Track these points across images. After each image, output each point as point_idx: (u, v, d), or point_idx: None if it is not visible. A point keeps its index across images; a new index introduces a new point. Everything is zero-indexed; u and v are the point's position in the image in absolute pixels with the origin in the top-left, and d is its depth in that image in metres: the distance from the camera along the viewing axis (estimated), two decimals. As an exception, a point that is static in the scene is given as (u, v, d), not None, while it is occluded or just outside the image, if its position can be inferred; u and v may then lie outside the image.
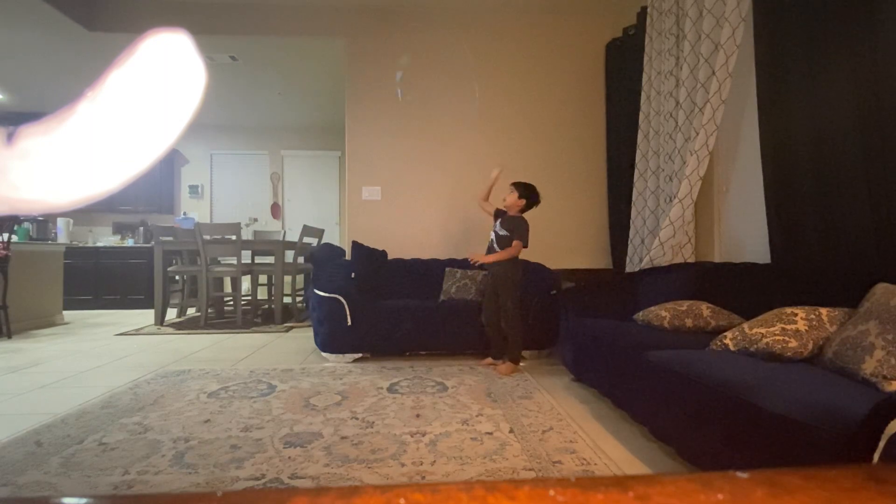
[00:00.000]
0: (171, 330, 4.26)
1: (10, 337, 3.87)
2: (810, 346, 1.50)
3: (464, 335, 3.09)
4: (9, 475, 1.51)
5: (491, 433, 1.84)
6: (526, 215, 2.85)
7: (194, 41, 0.29)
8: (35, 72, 4.92)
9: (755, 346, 1.57)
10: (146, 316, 5.06)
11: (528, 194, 2.82)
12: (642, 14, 3.44)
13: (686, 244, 2.89)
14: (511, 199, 2.81)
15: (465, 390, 2.41)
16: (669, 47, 3.03)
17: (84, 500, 0.25)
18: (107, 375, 2.72)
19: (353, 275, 3.32)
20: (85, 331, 4.32)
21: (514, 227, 2.78)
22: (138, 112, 0.28)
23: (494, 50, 4.16)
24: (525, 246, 2.77)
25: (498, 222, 2.87)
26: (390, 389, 2.43)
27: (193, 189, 6.95)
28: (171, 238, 4.86)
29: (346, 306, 3.00)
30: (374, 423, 1.95)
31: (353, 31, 4.10)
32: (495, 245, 2.82)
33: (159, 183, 6.59)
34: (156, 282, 4.55)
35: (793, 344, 1.50)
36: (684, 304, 2.20)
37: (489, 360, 2.95)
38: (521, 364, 2.85)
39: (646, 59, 3.29)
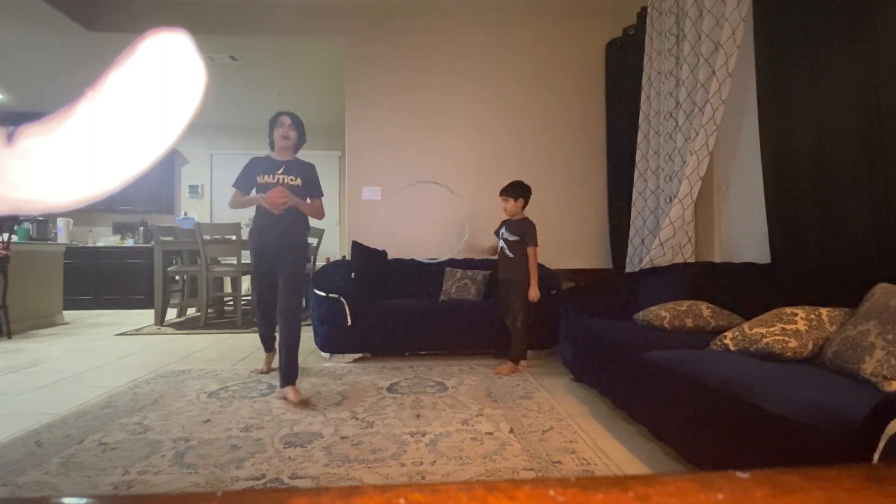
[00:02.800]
0: (171, 330, 4.26)
1: (10, 337, 3.87)
2: (810, 346, 1.50)
3: (464, 335, 3.09)
4: (9, 475, 1.51)
5: (491, 433, 1.84)
6: (527, 212, 2.86)
7: (194, 41, 0.29)
8: (35, 72, 4.92)
9: (755, 346, 1.57)
10: (146, 316, 5.05)
11: (523, 193, 2.84)
12: (642, 14, 3.44)
13: (686, 244, 2.88)
14: (512, 206, 2.83)
15: (465, 390, 2.41)
16: (669, 47, 3.02)
17: (84, 500, 0.25)
18: (107, 375, 2.72)
19: (353, 275, 3.32)
20: (85, 331, 4.32)
21: (524, 232, 2.80)
22: (138, 112, 0.28)
23: (495, 50, 4.15)
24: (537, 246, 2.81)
25: (503, 228, 2.89)
26: (390, 389, 2.43)
27: (193, 189, 6.95)
28: (171, 238, 4.86)
29: (346, 306, 2.99)
30: (374, 423, 1.95)
31: (353, 31, 4.10)
32: (507, 252, 2.84)
33: (159, 183, 6.59)
34: (156, 282, 4.55)
35: (793, 344, 1.50)
36: (684, 304, 2.20)
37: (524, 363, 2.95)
38: (521, 364, 2.85)
39: (646, 59, 3.28)
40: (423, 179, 3.51)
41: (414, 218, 4.07)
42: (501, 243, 2.88)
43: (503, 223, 2.93)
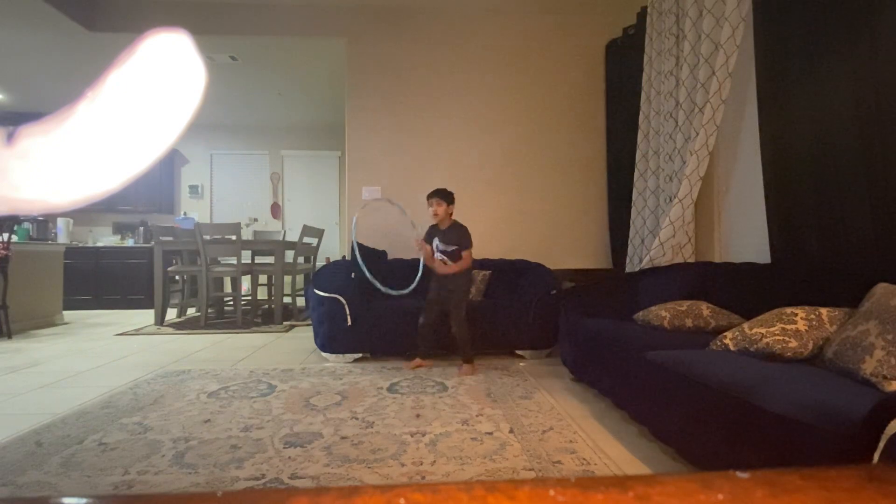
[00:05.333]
0: (171, 330, 4.26)
1: (10, 337, 3.87)
2: (810, 346, 1.50)
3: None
4: (9, 475, 1.51)
5: (491, 433, 1.84)
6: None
7: (194, 41, 0.29)
8: (35, 72, 4.92)
9: (755, 346, 1.57)
10: (146, 316, 5.05)
11: (453, 199, 2.81)
12: (642, 14, 3.44)
13: (686, 244, 2.88)
14: (442, 210, 2.77)
15: (464, 390, 2.41)
16: (669, 47, 3.03)
17: (84, 500, 0.25)
18: (107, 375, 2.72)
19: (353, 275, 3.32)
20: (85, 331, 4.32)
21: (459, 238, 2.78)
22: (138, 112, 0.28)
23: (494, 50, 4.15)
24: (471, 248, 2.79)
25: (436, 240, 2.83)
26: (390, 389, 2.43)
27: (193, 189, 6.95)
28: (171, 238, 4.86)
29: (346, 306, 2.99)
30: (374, 423, 1.95)
31: (353, 31, 4.10)
32: (448, 262, 2.81)
33: (159, 183, 6.59)
34: (156, 282, 4.55)
35: (793, 344, 1.50)
36: (684, 304, 2.20)
37: (418, 360, 2.89)
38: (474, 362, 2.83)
39: (646, 59, 3.28)
40: (378, 197, 3.60)
41: (414, 218, 4.07)
42: (440, 256, 2.82)
43: (432, 232, 2.86)
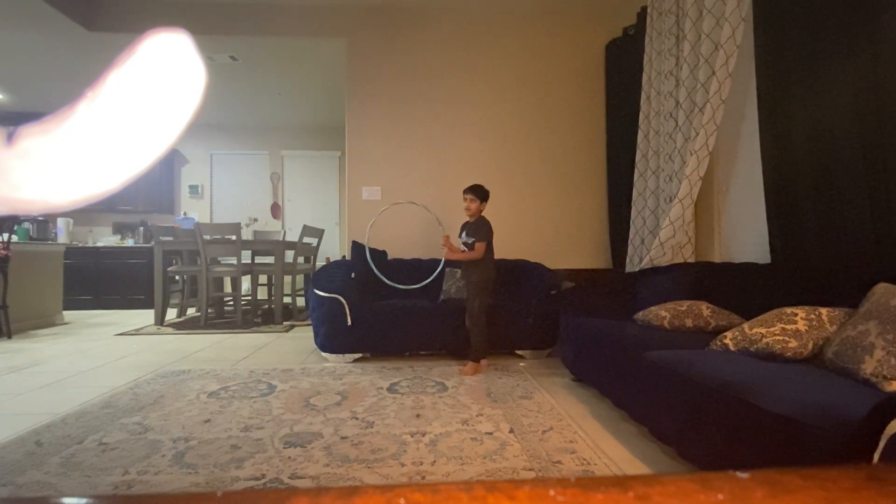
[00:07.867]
0: (171, 330, 4.26)
1: (10, 337, 3.87)
2: (810, 346, 1.50)
3: (464, 335, 3.09)
4: (9, 475, 1.51)
5: (491, 433, 1.84)
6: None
7: (194, 41, 0.29)
8: (35, 72, 4.92)
9: (755, 346, 1.57)
10: (146, 316, 5.05)
11: (486, 196, 2.87)
12: (642, 14, 3.44)
13: (686, 244, 2.88)
14: (474, 206, 2.83)
15: (465, 390, 2.41)
16: (669, 47, 3.03)
17: (84, 500, 0.25)
18: (107, 375, 2.72)
19: (353, 275, 3.32)
20: (85, 331, 4.32)
21: (476, 231, 2.81)
22: (138, 112, 0.28)
23: (495, 50, 4.15)
24: (488, 243, 2.80)
25: (463, 233, 2.91)
26: (390, 389, 2.43)
27: (193, 189, 6.95)
28: (171, 238, 4.86)
29: (346, 306, 2.99)
30: (374, 423, 1.95)
31: (353, 31, 4.10)
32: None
33: (159, 183, 6.59)
34: (156, 282, 4.55)
35: (793, 344, 1.50)
36: (684, 304, 2.20)
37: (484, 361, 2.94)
38: (483, 362, 2.84)
39: (646, 59, 3.28)
40: (398, 201, 3.65)
41: (414, 218, 4.07)
42: (463, 248, 2.89)
43: (464, 226, 2.92)
